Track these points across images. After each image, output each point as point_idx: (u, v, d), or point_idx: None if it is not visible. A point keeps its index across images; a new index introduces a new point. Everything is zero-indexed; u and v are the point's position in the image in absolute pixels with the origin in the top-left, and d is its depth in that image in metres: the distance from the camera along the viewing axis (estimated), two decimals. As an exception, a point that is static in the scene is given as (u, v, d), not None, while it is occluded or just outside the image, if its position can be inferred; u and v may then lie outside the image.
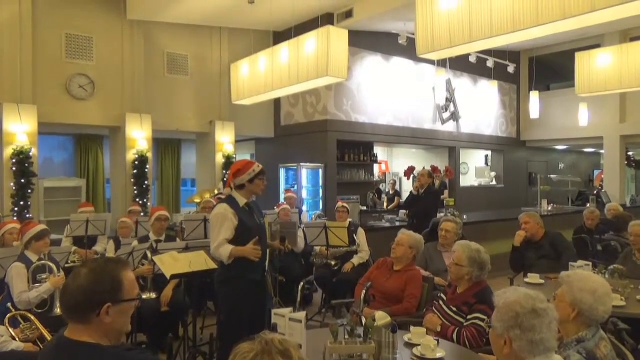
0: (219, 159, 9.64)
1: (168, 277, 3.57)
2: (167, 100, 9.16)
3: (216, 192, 7.91)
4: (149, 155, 8.77)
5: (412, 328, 2.70)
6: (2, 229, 4.76)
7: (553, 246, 4.58)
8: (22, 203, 7.39)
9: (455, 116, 11.47)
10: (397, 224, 7.35)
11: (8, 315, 3.36)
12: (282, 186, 9.75)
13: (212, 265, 3.62)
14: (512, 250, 4.77)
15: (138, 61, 8.74)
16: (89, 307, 1.52)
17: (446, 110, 11.26)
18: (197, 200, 7.85)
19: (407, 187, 10.99)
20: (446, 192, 9.82)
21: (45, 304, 3.63)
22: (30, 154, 7.47)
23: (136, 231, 5.65)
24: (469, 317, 2.90)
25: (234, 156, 9.76)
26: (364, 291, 3.13)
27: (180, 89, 9.34)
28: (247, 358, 1.22)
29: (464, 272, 3.04)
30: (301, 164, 9.26)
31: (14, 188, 7.37)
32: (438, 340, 2.56)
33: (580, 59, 6.52)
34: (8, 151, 7.37)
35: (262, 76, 6.62)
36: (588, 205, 9.65)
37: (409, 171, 7.54)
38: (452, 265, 3.12)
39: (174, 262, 3.57)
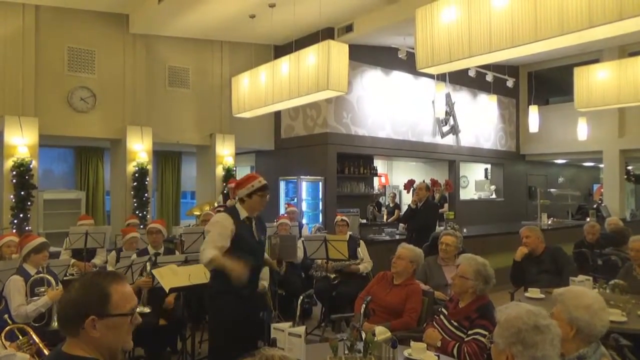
0: (219, 172, 9.65)
1: (167, 290, 3.56)
2: (168, 113, 9.21)
3: (216, 204, 7.89)
4: (149, 167, 8.79)
5: (412, 343, 2.67)
6: None
7: (554, 261, 4.56)
8: (21, 215, 7.38)
9: (454, 130, 11.52)
10: (397, 237, 7.33)
11: (6, 329, 3.33)
12: (282, 199, 9.75)
13: (212, 279, 3.60)
14: (513, 264, 4.75)
15: (139, 74, 8.80)
16: (76, 320, 1.50)
17: (446, 123, 11.30)
18: (197, 213, 7.83)
19: (407, 200, 10.97)
20: (446, 205, 9.81)
21: (42, 318, 3.60)
22: (31, 166, 7.48)
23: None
24: (469, 332, 2.88)
25: (234, 169, 9.77)
26: (364, 305, 3.11)
27: (181, 101, 9.39)
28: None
29: (468, 285, 3.02)
30: (301, 176, 9.28)
31: (13, 200, 7.37)
32: (438, 356, 2.54)
33: (579, 73, 6.55)
34: (8, 163, 7.39)
35: (263, 89, 6.66)
36: (588, 219, 9.63)
37: (409, 184, 7.54)
38: (457, 278, 3.09)
39: (173, 276, 3.56)
